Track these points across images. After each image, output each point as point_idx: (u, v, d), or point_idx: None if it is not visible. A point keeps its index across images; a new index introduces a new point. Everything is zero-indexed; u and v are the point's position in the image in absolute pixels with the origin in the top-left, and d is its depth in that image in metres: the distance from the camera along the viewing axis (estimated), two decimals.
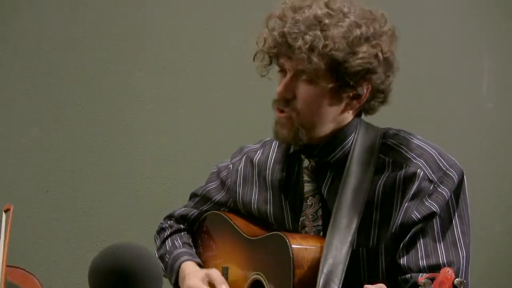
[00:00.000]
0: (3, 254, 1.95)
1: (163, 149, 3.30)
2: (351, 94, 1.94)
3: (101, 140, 3.25)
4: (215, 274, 2.09)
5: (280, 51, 1.93)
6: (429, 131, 3.50)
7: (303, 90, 1.93)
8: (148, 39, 3.28)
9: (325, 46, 1.87)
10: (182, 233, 2.28)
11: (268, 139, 2.19)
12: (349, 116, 1.99)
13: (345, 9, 1.92)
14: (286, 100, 1.95)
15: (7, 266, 1.98)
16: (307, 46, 1.87)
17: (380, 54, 1.92)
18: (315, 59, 1.87)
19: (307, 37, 1.87)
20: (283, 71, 1.96)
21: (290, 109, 1.94)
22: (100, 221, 3.24)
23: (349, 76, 1.90)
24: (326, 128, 1.97)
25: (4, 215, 2.08)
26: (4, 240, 1.98)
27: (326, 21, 1.89)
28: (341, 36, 1.88)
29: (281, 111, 1.96)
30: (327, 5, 1.92)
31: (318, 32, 1.87)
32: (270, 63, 1.98)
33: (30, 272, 2.10)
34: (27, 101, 3.20)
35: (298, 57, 1.89)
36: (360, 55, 1.89)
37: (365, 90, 1.94)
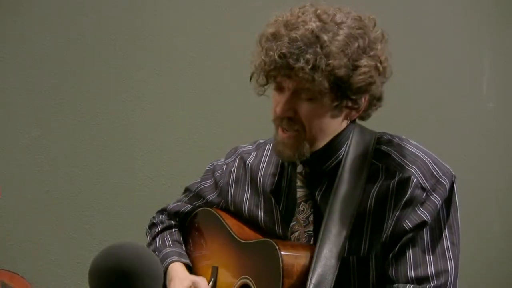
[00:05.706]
0: None
1: (163, 149, 3.30)
2: (350, 105, 1.91)
3: (101, 140, 3.25)
4: (202, 283, 2.09)
5: (280, 71, 1.85)
6: (429, 131, 3.51)
7: (306, 107, 1.88)
8: (148, 39, 3.28)
9: (327, 65, 1.81)
10: (173, 230, 2.30)
11: (262, 140, 2.19)
12: (344, 124, 1.97)
13: (338, 19, 1.86)
14: (288, 118, 1.90)
15: None
16: (309, 66, 1.81)
17: (379, 65, 1.88)
18: (318, 78, 1.82)
19: (308, 56, 1.81)
20: (280, 88, 1.91)
21: (293, 128, 1.90)
22: (100, 221, 3.24)
23: (351, 91, 1.87)
24: (326, 139, 1.95)
25: None
26: None
27: (324, 36, 1.82)
28: (341, 52, 1.83)
29: (284, 131, 1.92)
30: (319, 18, 1.86)
31: (318, 50, 1.82)
32: (267, 82, 1.91)
33: (15, 272, 2.09)
34: (27, 101, 3.20)
35: (299, 77, 1.83)
36: (362, 70, 1.85)
37: (363, 101, 1.92)
